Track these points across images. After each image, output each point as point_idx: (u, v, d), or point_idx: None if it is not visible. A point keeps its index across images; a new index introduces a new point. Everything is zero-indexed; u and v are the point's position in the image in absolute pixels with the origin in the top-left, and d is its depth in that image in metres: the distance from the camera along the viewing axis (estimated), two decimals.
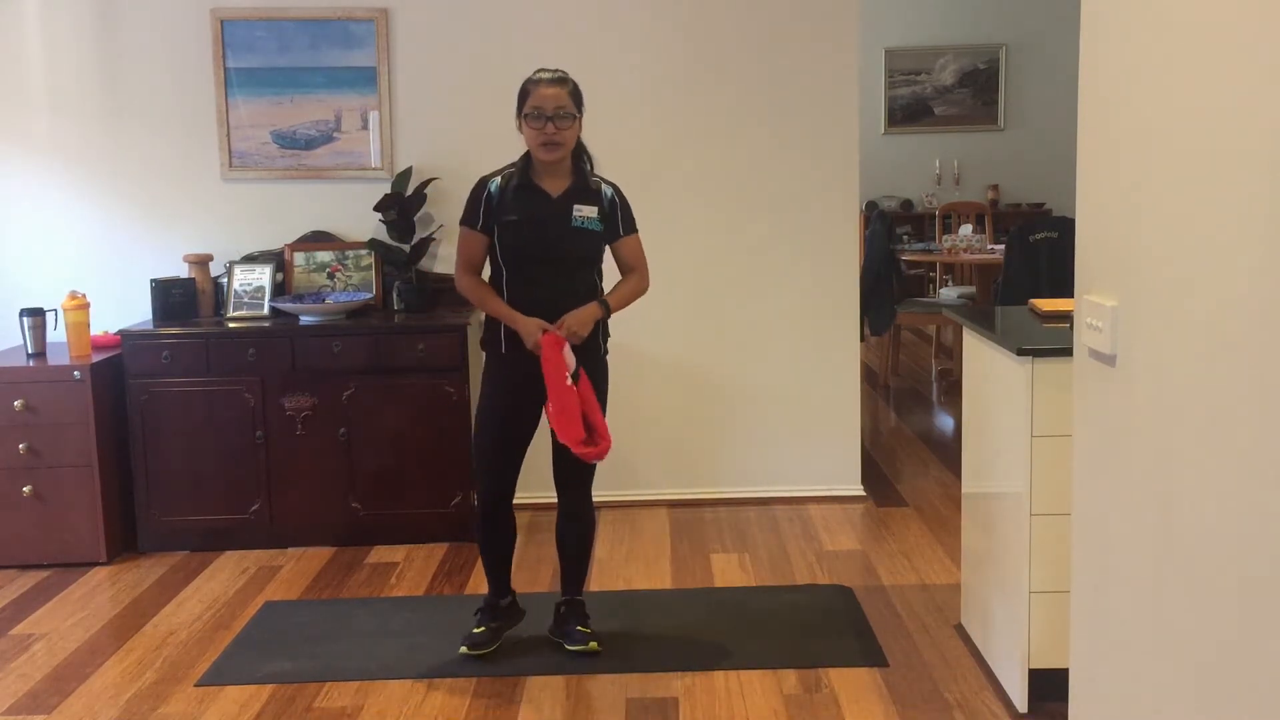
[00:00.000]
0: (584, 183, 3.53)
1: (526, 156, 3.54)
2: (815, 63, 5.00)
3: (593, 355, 3.58)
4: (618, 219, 3.58)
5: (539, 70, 3.50)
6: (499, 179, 3.54)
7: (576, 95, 3.48)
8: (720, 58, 5.01)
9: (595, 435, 3.45)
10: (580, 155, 3.56)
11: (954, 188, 10.44)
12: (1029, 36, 10.32)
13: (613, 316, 3.62)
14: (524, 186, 3.49)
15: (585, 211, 3.50)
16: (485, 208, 3.51)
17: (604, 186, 3.58)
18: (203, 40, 4.94)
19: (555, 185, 3.51)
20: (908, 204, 10.32)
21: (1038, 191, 10.33)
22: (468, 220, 3.55)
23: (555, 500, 3.69)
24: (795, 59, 4.99)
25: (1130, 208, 1.85)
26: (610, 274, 3.64)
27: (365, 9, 4.95)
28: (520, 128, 3.49)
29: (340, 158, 5.03)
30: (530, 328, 3.45)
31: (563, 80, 3.46)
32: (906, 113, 10.55)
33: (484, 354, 3.67)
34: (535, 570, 4.36)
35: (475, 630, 3.66)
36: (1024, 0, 10.30)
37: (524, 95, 3.46)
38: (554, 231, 3.48)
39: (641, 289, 3.66)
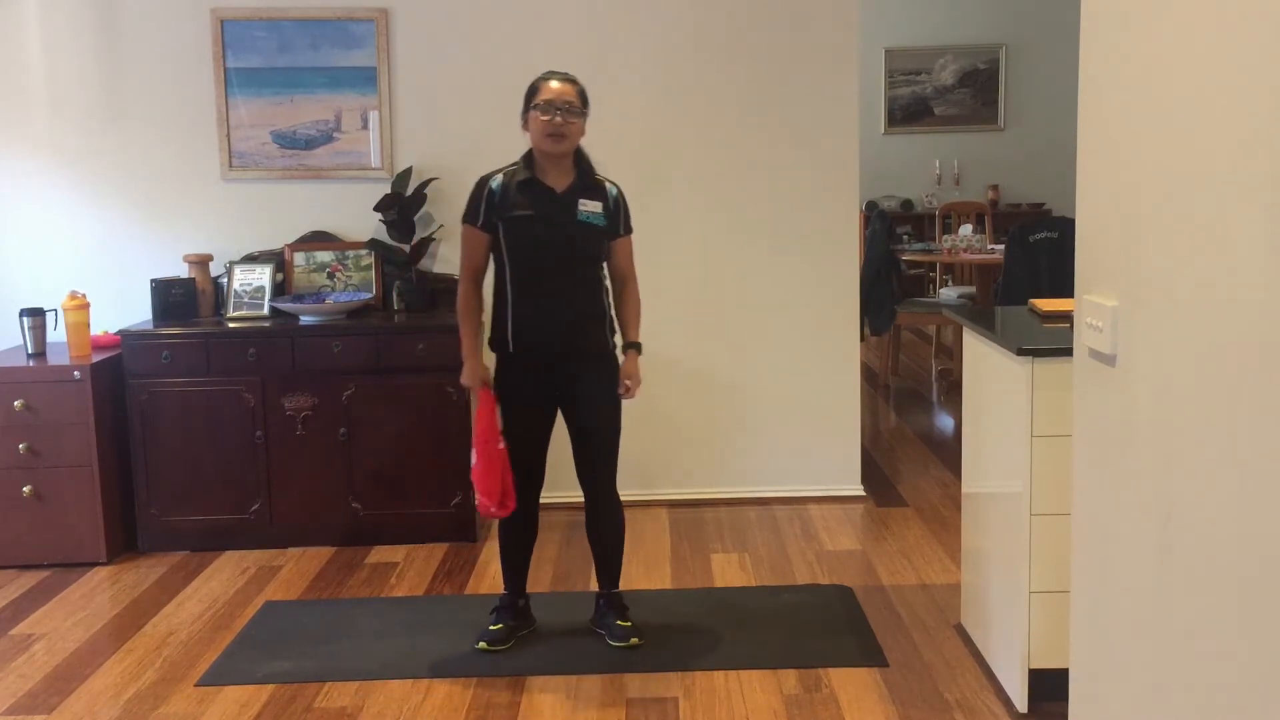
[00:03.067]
0: (587, 179, 3.57)
1: (528, 155, 3.57)
2: (815, 63, 5.00)
3: (606, 361, 3.64)
4: (620, 218, 3.64)
5: (549, 70, 3.57)
6: (500, 176, 3.56)
7: (584, 96, 3.55)
8: (720, 58, 5.01)
9: (507, 497, 3.57)
10: (582, 157, 3.60)
11: (954, 188, 10.44)
12: (1029, 36, 10.32)
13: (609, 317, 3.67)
14: (528, 183, 3.52)
15: (590, 206, 3.55)
16: (486, 204, 3.53)
17: (608, 184, 3.63)
18: (203, 40, 4.94)
19: (559, 181, 3.54)
20: (908, 204, 10.32)
21: (1038, 191, 10.33)
22: (469, 217, 3.58)
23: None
24: (795, 59, 4.99)
25: (1130, 208, 1.85)
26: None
27: (365, 9, 4.95)
28: (525, 125, 3.53)
29: (340, 158, 5.03)
30: (473, 376, 3.60)
31: (572, 80, 3.55)
32: (906, 113, 10.55)
33: (494, 354, 3.67)
34: (535, 570, 4.36)
35: (493, 627, 3.69)
36: (1024, 0, 10.30)
37: (533, 91, 3.52)
38: (560, 226, 3.51)
39: (639, 303, 3.73)
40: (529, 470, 3.64)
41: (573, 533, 4.67)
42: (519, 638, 3.72)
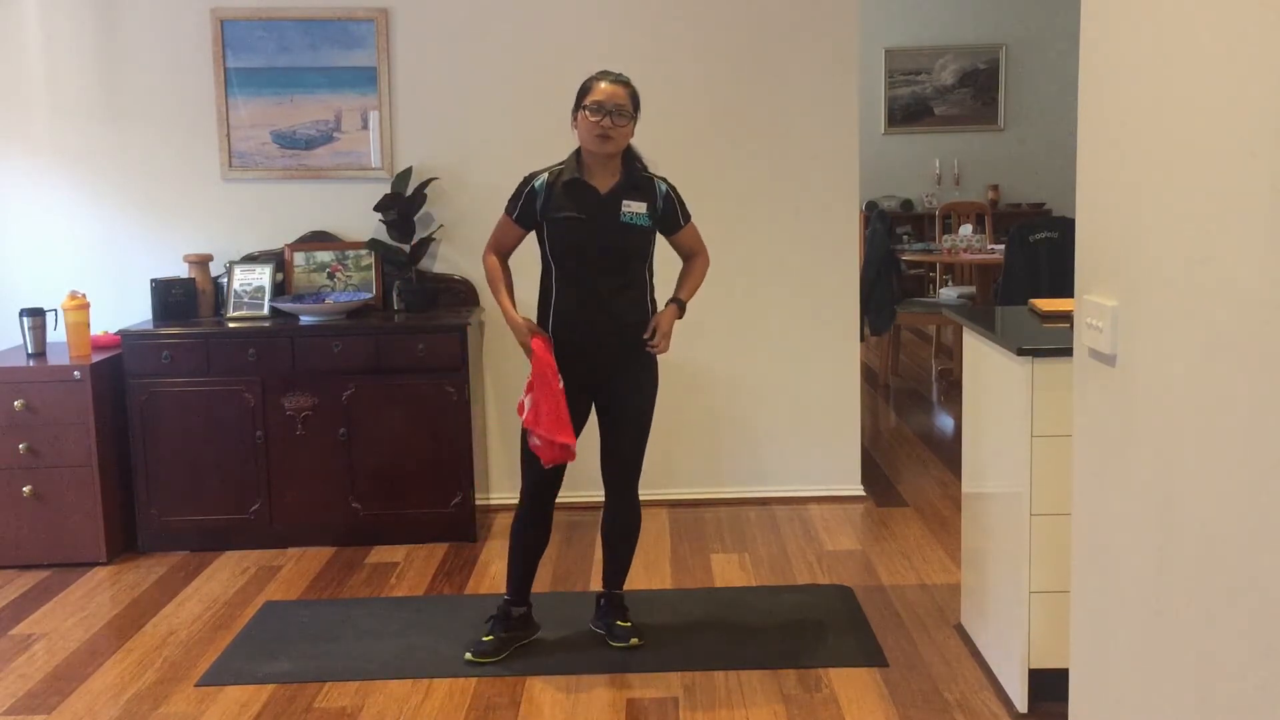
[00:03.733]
0: (633, 179, 3.56)
1: (577, 154, 3.57)
2: (815, 63, 5.00)
3: (645, 361, 3.63)
4: (675, 212, 3.65)
5: (602, 70, 3.56)
6: (546, 175, 3.57)
7: (635, 99, 3.54)
8: (720, 58, 5.00)
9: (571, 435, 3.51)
10: (630, 156, 3.60)
11: (954, 188, 10.44)
12: (1029, 36, 10.32)
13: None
14: (574, 183, 3.52)
15: (633, 207, 3.54)
16: (525, 200, 3.55)
17: (657, 181, 3.63)
18: (203, 40, 4.94)
19: (605, 182, 3.54)
20: (908, 204, 10.32)
21: (1038, 191, 10.33)
22: (508, 207, 3.61)
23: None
24: (795, 59, 4.99)
25: (1130, 208, 1.85)
26: (665, 266, 3.71)
27: (365, 9, 4.95)
28: (574, 122, 3.53)
29: (340, 158, 5.03)
30: (521, 329, 3.54)
31: (625, 82, 3.53)
32: (906, 113, 10.55)
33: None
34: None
35: (484, 639, 3.64)
36: (1024, 0, 10.30)
37: (584, 91, 3.51)
38: (602, 227, 3.51)
39: (705, 269, 3.75)
40: (553, 471, 3.61)
41: (573, 532, 4.67)
42: (518, 647, 3.67)
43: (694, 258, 3.74)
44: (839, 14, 4.97)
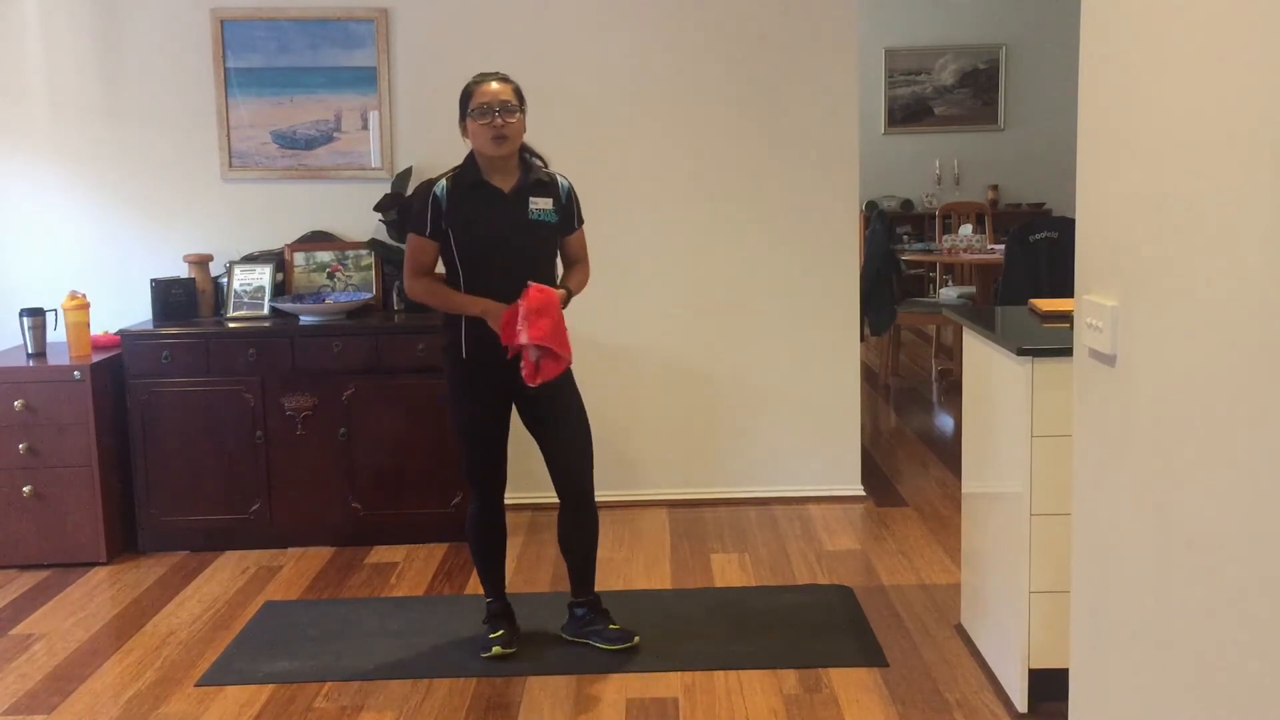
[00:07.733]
0: (535, 176, 3.53)
1: (470, 158, 3.51)
2: (815, 63, 5.00)
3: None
4: (574, 211, 3.60)
5: (479, 74, 3.52)
6: (445, 181, 3.50)
7: (519, 92, 3.49)
8: (720, 58, 5.01)
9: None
10: (526, 154, 3.56)
11: (954, 188, 10.44)
12: (1029, 36, 10.32)
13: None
14: (477, 185, 3.48)
15: (540, 204, 3.51)
16: (433, 212, 3.47)
17: (559, 179, 3.59)
18: (203, 40, 4.94)
19: (506, 181, 3.50)
20: (908, 204, 10.33)
21: (1038, 191, 10.33)
22: (416, 227, 3.51)
23: (555, 500, 3.69)
24: (795, 59, 4.99)
25: (1130, 208, 1.85)
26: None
27: (365, 9, 4.95)
28: (464, 132, 3.49)
29: (340, 158, 5.03)
30: (491, 311, 3.41)
31: (504, 78, 3.50)
32: (906, 113, 10.55)
33: (446, 360, 3.59)
34: (534, 570, 4.36)
35: (494, 635, 3.64)
36: (1024, 0, 10.30)
37: (467, 96, 3.47)
38: (511, 226, 3.47)
39: (587, 278, 3.67)
40: (492, 471, 3.60)
41: None
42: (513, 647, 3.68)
43: (578, 264, 3.65)
44: (839, 14, 4.97)
